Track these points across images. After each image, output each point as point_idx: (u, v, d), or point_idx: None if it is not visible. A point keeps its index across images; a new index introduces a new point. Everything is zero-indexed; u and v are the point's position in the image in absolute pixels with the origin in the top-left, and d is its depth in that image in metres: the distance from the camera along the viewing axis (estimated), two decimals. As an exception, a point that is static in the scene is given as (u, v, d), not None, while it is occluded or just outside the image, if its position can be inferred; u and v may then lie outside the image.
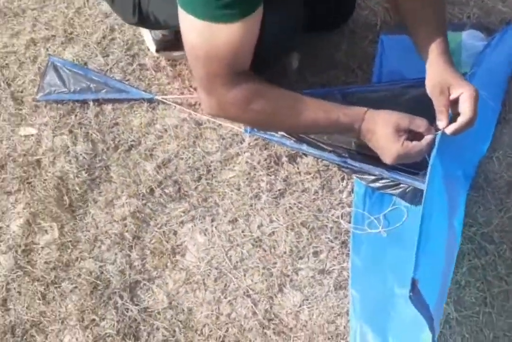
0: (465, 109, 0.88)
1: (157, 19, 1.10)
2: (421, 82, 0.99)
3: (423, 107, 0.98)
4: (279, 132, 1.20)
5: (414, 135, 0.91)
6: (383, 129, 0.91)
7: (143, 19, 1.11)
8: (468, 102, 0.88)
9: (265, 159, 1.24)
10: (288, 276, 1.12)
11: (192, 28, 0.83)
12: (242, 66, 0.89)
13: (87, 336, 1.09)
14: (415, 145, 0.90)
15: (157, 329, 1.09)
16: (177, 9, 0.82)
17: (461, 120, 0.89)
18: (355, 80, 1.31)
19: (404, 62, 1.21)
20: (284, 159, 1.24)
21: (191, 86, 1.32)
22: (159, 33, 1.30)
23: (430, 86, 0.94)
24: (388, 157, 0.92)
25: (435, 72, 0.94)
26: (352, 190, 1.20)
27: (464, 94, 0.89)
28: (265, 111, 0.92)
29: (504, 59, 1.28)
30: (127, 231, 1.18)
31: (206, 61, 0.86)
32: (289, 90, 0.94)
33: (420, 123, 0.91)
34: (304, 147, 1.19)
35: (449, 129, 0.90)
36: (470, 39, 1.38)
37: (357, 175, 1.17)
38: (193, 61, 0.88)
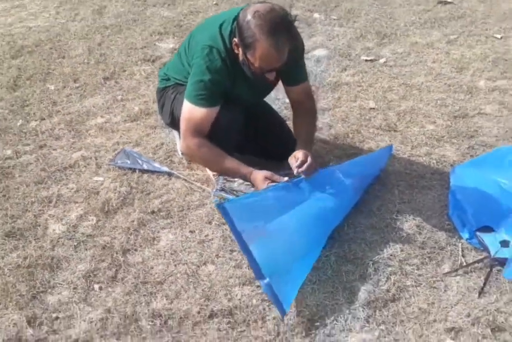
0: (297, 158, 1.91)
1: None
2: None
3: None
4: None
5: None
6: (258, 178, 1.95)
7: (174, 121, 2.24)
8: (299, 155, 1.90)
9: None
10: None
11: (185, 106, 1.98)
12: (203, 131, 2.00)
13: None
14: (269, 185, 1.93)
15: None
16: None
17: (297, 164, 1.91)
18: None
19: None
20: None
21: (192, 170, 2.37)
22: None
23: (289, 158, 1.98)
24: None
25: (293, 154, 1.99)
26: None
27: (298, 158, 1.92)
28: (205, 155, 2.02)
29: (375, 165, 2.27)
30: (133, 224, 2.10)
31: (186, 122, 1.98)
32: (222, 150, 2.00)
33: (275, 177, 1.95)
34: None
35: (296, 171, 1.91)
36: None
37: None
38: (181, 121, 1.99)
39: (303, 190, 1.95)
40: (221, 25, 1.96)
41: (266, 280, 1.68)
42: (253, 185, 2.04)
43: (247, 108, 2.15)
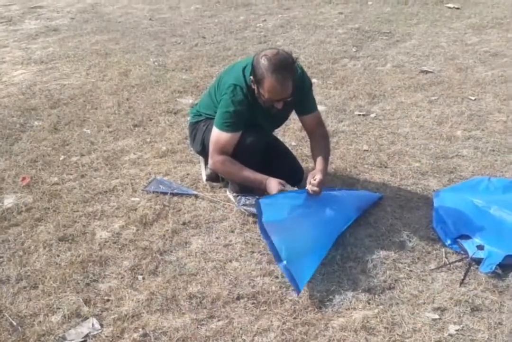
0: (314, 182, 2.34)
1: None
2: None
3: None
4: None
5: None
6: (273, 182, 2.39)
7: (204, 149, 2.69)
8: (317, 179, 2.34)
9: (242, 220, 2.58)
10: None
11: (213, 131, 2.46)
12: (227, 151, 2.45)
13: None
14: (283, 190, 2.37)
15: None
16: None
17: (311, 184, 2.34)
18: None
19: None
20: (252, 220, 2.57)
21: (215, 193, 2.79)
22: (209, 171, 2.85)
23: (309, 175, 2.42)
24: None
25: (312, 172, 2.43)
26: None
27: (315, 176, 2.36)
28: (228, 168, 2.47)
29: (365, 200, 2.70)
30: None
31: (214, 144, 2.46)
32: (241, 165, 2.44)
33: (287, 186, 2.39)
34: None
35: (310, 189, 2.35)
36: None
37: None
38: (210, 144, 2.47)
39: (314, 201, 2.39)
40: (244, 68, 2.48)
41: (284, 263, 2.07)
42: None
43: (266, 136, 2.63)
